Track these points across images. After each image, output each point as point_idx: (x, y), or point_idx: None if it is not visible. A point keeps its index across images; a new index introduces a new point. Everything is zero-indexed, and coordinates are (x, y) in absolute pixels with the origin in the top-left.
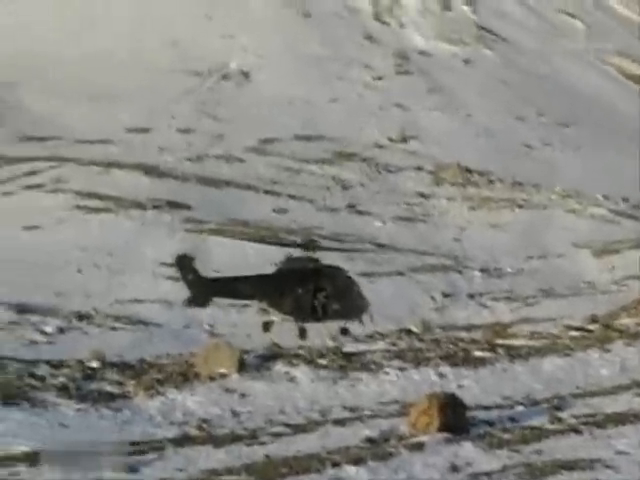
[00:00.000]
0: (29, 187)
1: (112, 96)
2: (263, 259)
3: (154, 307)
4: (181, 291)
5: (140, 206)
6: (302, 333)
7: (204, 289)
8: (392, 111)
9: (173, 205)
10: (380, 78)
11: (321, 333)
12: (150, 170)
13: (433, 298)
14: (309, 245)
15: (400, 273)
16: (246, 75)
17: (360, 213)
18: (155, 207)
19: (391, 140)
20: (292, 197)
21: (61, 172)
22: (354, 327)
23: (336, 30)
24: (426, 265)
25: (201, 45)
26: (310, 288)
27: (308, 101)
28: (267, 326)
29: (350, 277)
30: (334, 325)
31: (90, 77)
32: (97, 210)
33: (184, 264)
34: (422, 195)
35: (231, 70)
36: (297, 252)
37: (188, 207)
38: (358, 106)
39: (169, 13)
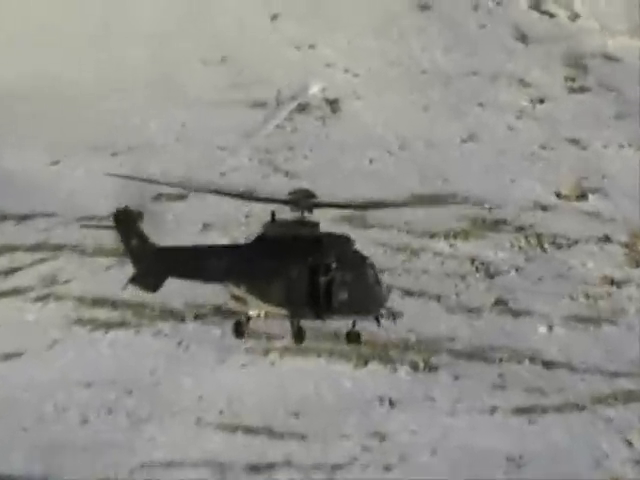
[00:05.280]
0: (4, 294)
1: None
2: None
3: (197, 472)
4: (239, 449)
5: (174, 316)
6: (298, 334)
7: (155, 263)
8: (561, 150)
9: (223, 313)
10: (541, 100)
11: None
12: None
13: (630, 444)
14: (303, 202)
15: (578, 407)
16: (333, 104)
17: (514, 313)
18: (198, 317)
19: (560, 196)
20: (408, 292)
21: (54, 267)
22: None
23: (465, 25)
24: (618, 392)
25: (265, 61)
26: (307, 267)
27: (427, 142)
28: (241, 327)
29: (360, 252)
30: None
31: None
32: (107, 325)
33: (126, 224)
34: (610, 282)
35: (311, 98)
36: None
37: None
38: (506, 145)
39: (214, 10)
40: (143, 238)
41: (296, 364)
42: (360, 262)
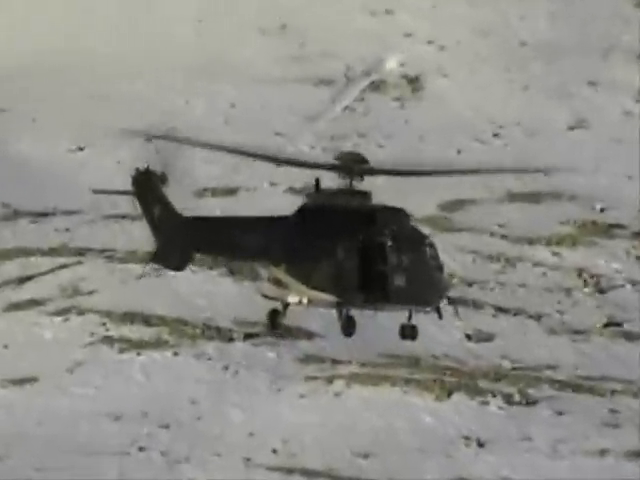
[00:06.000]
0: (17, 306)
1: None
2: None
3: None
4: None
5: (220, 335)
6: (348, 325)
7: (181, 236)
8: None
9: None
10: None
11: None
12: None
13: None
14: (351, 168)
15: None
16: (414, 83)
17: (630, 337)
18: (248, 337)
19: None
20: (502, 310)
21: (76, 275)
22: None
23: None
24: None
25: (333, 29)
26: (358, 245)
27: (526, 128)
28: (277, 317)
29: (419, 229)
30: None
31: None
32: (139, 345)
33: (146, 189)
34: None
35: (387, 74)
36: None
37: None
38: (621, 133)
39: None
40: (167, 206)
41: (365, 395)
42: (419, 241)
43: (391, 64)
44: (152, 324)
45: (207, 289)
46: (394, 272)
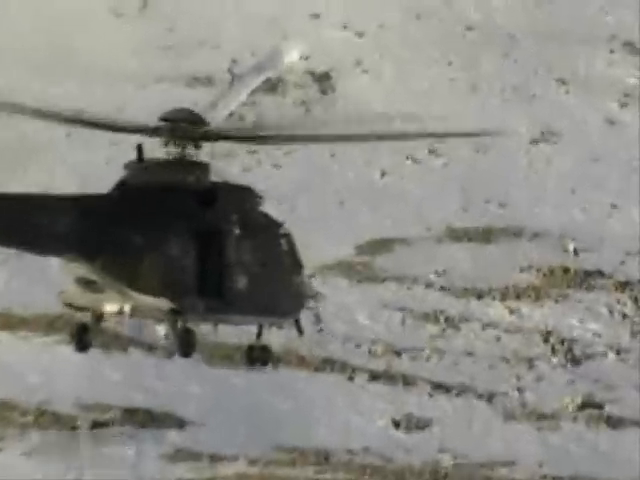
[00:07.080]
0: None
1: None
2: None
3: None
4: None
5: (60, 423)
6: (186, 341)
7: None
8: None
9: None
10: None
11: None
12: None
13: None
14: (183, 131)
15: None
16: (323, 81)
17: (614, 423)
18: (97, 426)
19: None
20: (440, 387)
21: None
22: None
23: None
24: None
25: (212, 11)
26: (194, 234)
27: (476, 143)
28: (86, 333)
29: (270, 216)
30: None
31: None
32: None
33: None
34: None
35: (287, 70)
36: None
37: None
38: (602, 149)
39: None
40: None
41: None
42: (271, 231)
43: (292, 56)
44: None
45: (42, 361)
46: (238, 271)
